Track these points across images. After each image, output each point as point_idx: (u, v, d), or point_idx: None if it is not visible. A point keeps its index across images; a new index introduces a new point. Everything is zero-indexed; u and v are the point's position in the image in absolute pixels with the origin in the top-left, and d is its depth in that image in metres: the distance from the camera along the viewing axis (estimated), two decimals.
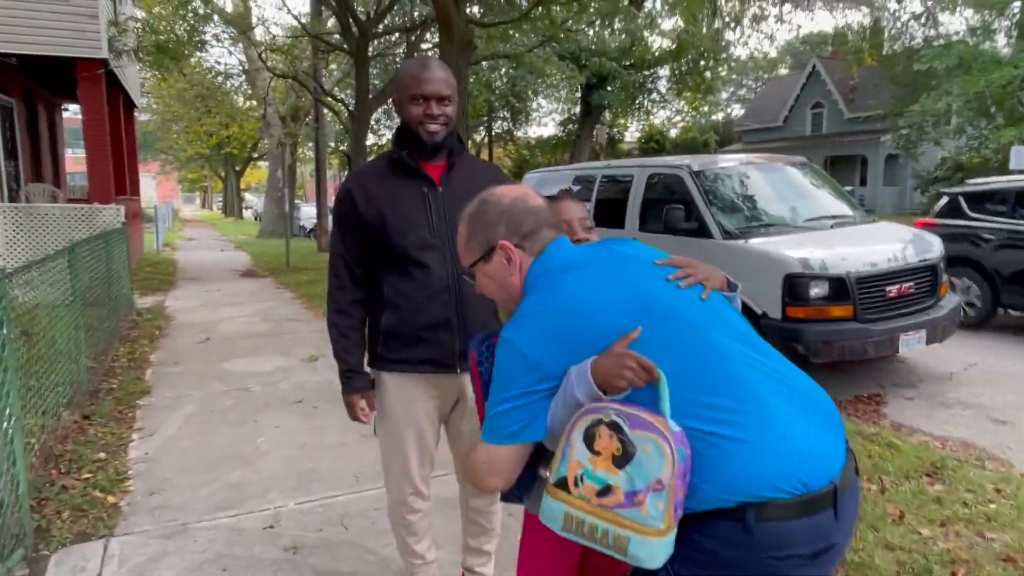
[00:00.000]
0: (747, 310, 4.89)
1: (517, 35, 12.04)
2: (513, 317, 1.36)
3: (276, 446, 3.99)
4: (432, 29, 14.29)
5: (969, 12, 17.13)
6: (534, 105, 22.00)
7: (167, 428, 4.33)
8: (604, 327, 1.28)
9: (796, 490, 1.17)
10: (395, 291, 1.97)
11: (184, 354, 6.35)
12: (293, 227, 20.09)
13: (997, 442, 4.22)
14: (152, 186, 43.40)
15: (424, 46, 15.84)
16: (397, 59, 16.62)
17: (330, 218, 20.23)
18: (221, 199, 52.37)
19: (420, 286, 1.95)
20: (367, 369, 2.13)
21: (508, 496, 1.68)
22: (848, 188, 15.78)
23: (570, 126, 24.74)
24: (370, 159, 2.11)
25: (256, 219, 37.74)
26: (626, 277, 1.36)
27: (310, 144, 24.55)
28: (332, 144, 19.18)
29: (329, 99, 16.06)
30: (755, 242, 5.34)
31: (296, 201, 26.52)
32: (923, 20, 17.89)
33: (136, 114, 17.43)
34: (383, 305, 2.00)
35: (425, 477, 2.17)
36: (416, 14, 14.32)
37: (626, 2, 12.29)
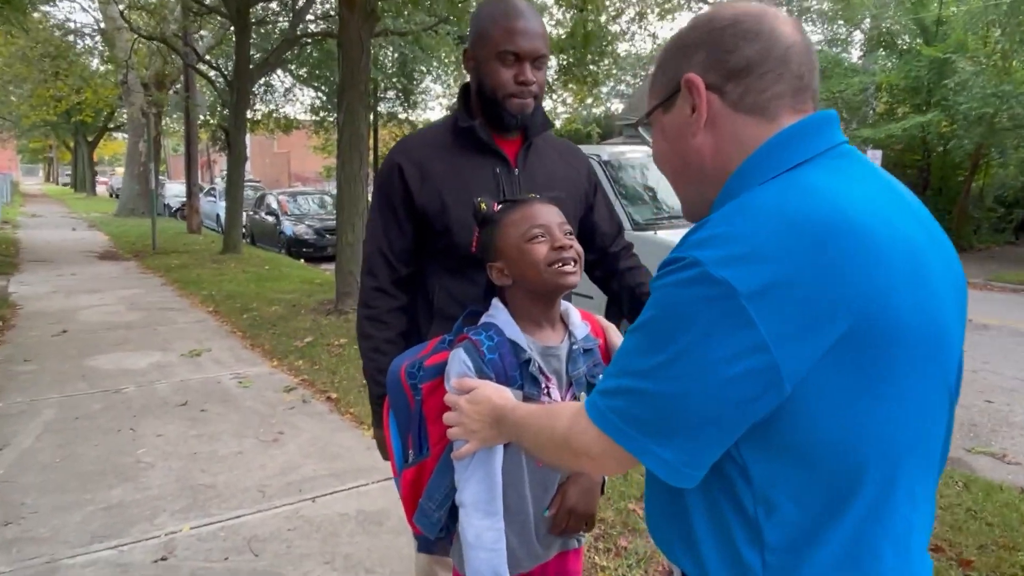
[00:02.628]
0: None
1: (409, 12, 11.57)
2: (711, 233, 0.73)
3: (161, 458, 3.49)
4: None
5: (827, 24, 18.66)
6: (423, 86, 21.35)
7: (21, 440, 3.69)
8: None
9: None
10: (449, 298, 1.52)
11: (37, 349, 5.53)
12: (157, 206, 18.39)
13: None
14: None
15: (308, 18, 14.89)
16: (278, 28, 15.50)
17: (202, 197, 18.85)
18: (69, 172, 47.31)
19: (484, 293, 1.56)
20: None
21: (427, 543, 1.34)
22: None
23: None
24: (426, 125, 1.58)
25: (112, 196, 34.42)
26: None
27: (176, 115, 22.52)
28: (203, 116, 17.64)
29: (203, 66, 14.72)
30: (663, 234, 5.38)
31: (160, 178, 24.38)
32: None
33: None
34: (431, 315, 1.55)
35: None
36: None
37: None
